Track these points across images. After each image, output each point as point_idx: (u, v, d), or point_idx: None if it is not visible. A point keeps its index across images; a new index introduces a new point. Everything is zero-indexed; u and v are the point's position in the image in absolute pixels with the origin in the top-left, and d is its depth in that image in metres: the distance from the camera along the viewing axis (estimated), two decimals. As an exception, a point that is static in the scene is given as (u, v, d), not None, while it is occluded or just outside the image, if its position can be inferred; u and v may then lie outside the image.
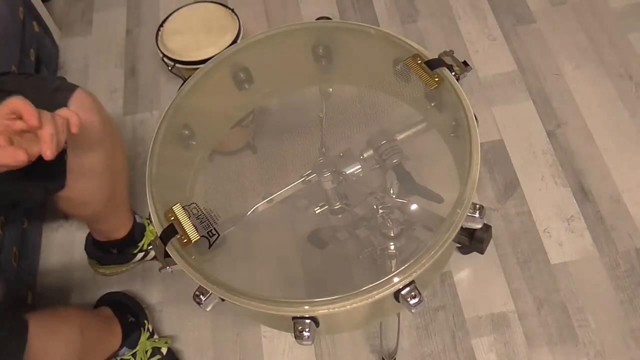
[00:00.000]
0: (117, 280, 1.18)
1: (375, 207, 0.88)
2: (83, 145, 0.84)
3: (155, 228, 0.74)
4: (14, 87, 0.80)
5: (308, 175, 0.85)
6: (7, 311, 0.83)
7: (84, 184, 0.89)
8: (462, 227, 0.67)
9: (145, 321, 1.06)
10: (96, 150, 0.87)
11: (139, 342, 1.03)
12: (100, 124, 0.85)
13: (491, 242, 1.12)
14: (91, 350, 0.94)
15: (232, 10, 1.31)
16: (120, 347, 1.01)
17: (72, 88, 0.83)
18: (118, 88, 1.47)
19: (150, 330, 1.06)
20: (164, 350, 1.05)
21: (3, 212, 1.04)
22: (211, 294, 0.67)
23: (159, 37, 1.30)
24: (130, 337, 1.02)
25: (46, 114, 0.65)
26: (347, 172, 0.85)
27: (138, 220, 1.13)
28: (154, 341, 1.05)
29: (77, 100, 0.81)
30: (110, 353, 1.00)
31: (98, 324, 1.01)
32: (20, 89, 0.79)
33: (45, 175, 0.82)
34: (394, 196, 0.87)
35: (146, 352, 1.03)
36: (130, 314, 1.06)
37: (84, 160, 0.85)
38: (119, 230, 1.10)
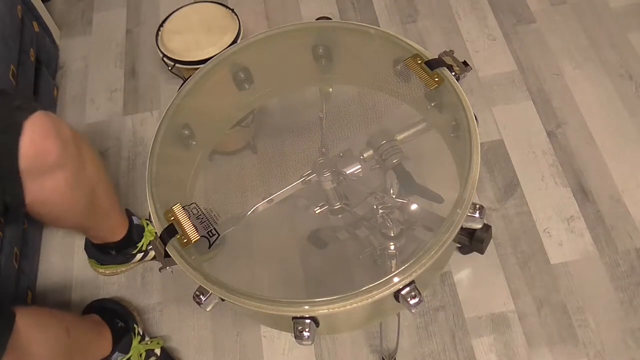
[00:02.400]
0: (116, 280, 1.18)
1: (375, 207, 0.88)
2: (39, 170, 0.81)
3: (155, 228, 0.74)
4: None
5: (308, 175, 0.85)
6: None
7: (50, 203, 0.86)
8: (462, 227, 0.67)
9: (135, 325, 1.05)
10: (56, 175, 0.84)
11: (132, 347, 1.02)
12: (59, 148, 0.81)
13: (491, 242, 1.12)
14: (80, 353, 0.93)
15: (232, 10, 1.31)
16: (112, 351, 1.00)
17: (33, 109, 0.80)
18: (118, 88, 1.47)
19: (141, 334, 1.05)
20: (158, 351, 1.04)
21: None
22: (211, 294, 0.67)
23: (159, 37, 1.30)
24: (121, 342, 1.01)
25: None
26: (347, 172, 0.85)
27: (136, 221, 1.13)
28: (147, 344, 1.04)
29: (33, 123, 0.78)
30: (101, 357, 0.99)
31: (86, 327, 1.00)
32: None
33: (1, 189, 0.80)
34: (394, 196, 0.87)
35: (140, 355, 1.02)
36: (118, 319, 1.05)
37: (43, 184, 0.83)
38: (114, 234, 1.09)
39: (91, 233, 1.08)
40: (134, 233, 1.11)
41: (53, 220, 0.94)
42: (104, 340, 1.01)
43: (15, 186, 0.80)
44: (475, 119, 0.73)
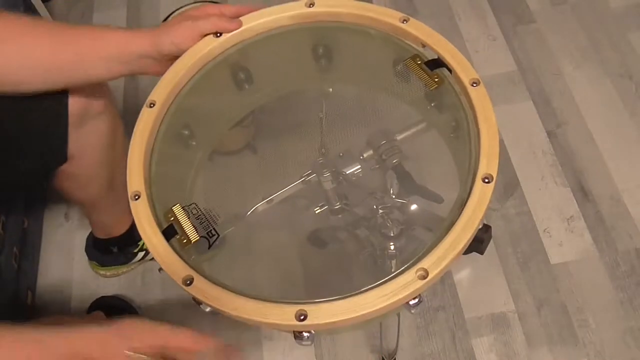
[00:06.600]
0: (116, 280, 1.18)
1: (375, 207, 0.88)
2: (89, 111, 0.83)
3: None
4: None
5: (308, 175, 0.85)
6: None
7: (87, 157, 0.89)
8: (462, 227, 0.67)
9: None
10: (99, 120, 0.87)
11: None
12: (103, 100, 0.85)
13: (491, 242, 1.12)
14: None
15: (232, 10, 1.31)
16: None
17: None
18: (118, 88, 1.47)
19: None
20: None
21: (4, 202, 1.03)
22: (211, 294, 0.67)
23: (159, 37, 1.30)
24: None
25: None
26: (347, 172, 0.85)
27: (137, 219, 1.13)
28: None
29: None
30: None
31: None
32: None
33: (43, 151, 0.82)
34: (393, 196, 0.87)
35: None
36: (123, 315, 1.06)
37: (88, 128, 0.85)
38: (119, 224, 1.10)
39: (100, 217, 1.09)
40: (135, 230, 1.12)
41: (82, 185, 0.95)
42: None
43: (62, 144, 0.82)
44: (475, 119, 0.73)
